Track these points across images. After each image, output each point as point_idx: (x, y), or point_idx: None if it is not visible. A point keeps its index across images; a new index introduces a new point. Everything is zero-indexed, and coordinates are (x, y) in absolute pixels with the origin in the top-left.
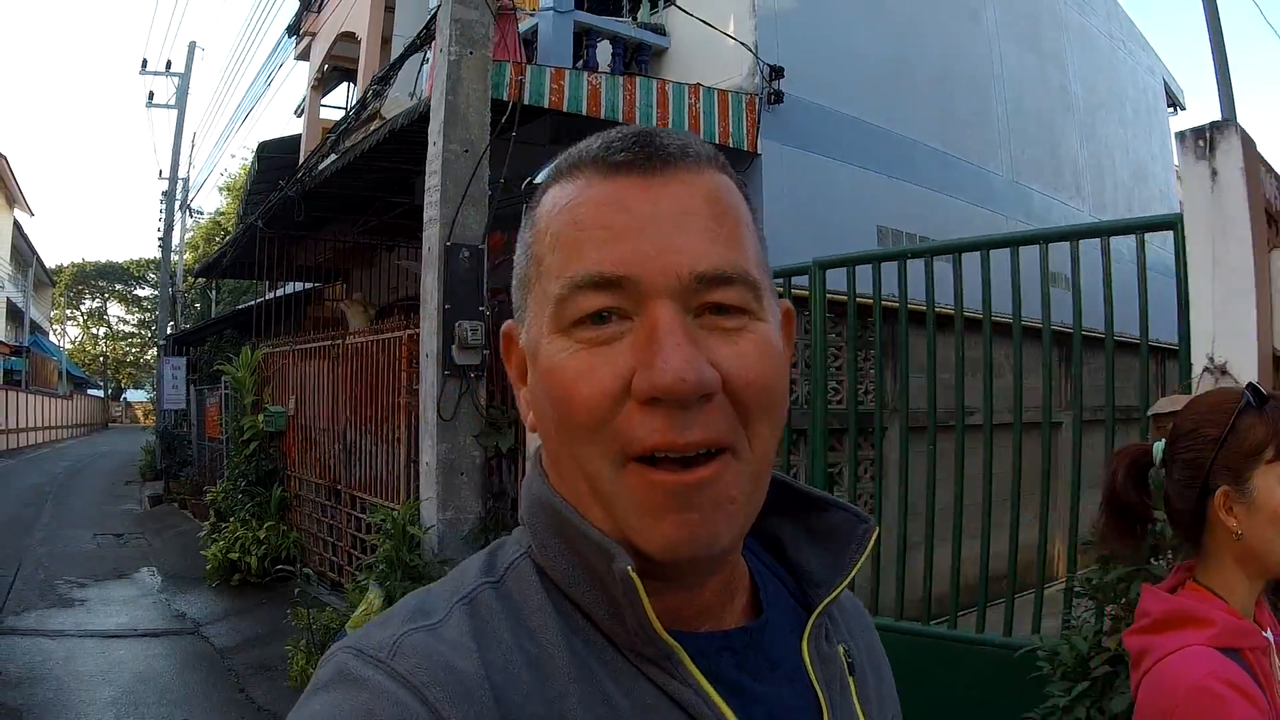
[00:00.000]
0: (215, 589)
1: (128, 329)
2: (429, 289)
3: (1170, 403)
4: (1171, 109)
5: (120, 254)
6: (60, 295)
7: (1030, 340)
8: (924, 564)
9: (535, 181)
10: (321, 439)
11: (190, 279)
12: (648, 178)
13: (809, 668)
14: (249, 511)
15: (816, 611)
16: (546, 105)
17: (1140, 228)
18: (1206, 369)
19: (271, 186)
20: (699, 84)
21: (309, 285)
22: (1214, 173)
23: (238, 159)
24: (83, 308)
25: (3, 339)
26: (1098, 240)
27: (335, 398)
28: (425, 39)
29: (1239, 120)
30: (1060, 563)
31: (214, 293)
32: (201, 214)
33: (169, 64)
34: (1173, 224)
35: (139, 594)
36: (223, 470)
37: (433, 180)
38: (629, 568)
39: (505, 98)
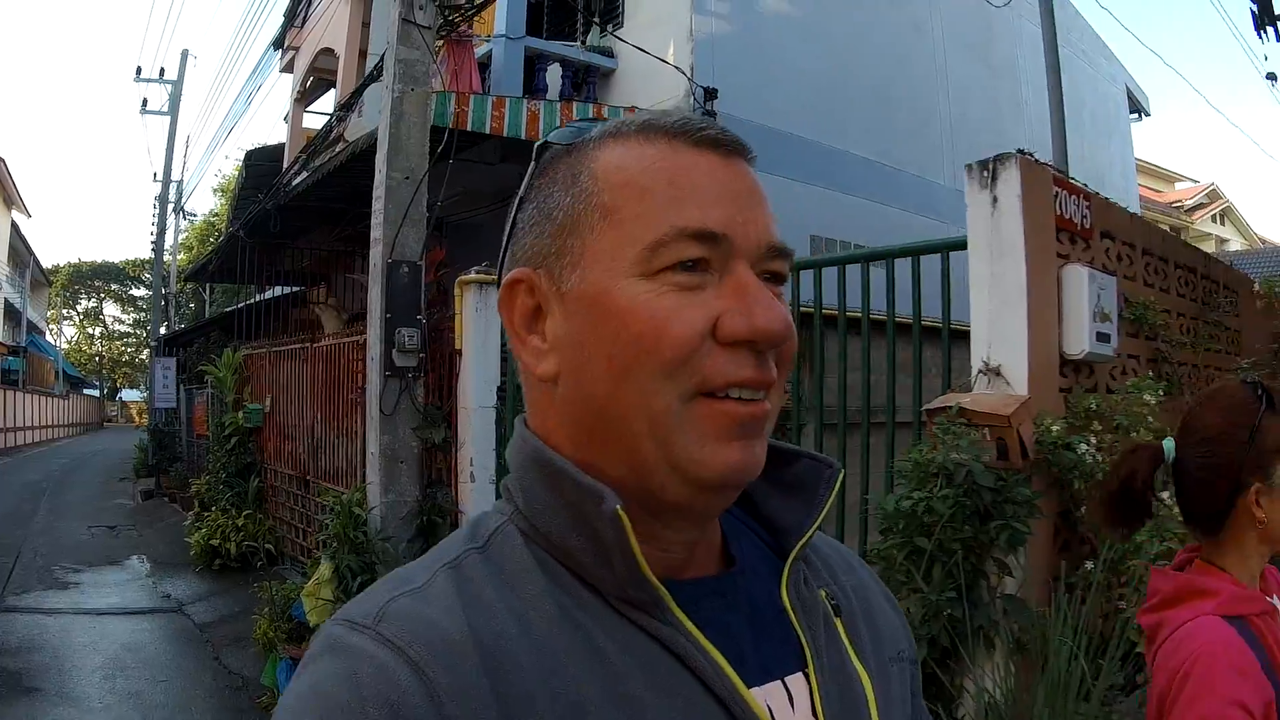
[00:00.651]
0: (198, 573)
1: (123, 329)
2: (374, 300)
3: (945, 400)
4: (1136, 115)
5: (116, 254)
6: (57, 295)
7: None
8: None
9: (567, 143)
10: (293, 434)
11: (180, 283)
12: (729, 158)
13: (790, 613)
14: (229, 501)
15: (791, 557)
16: (488, 131)
17: (944, 247)
18: (981, 370)
19: (257, 194)
20: (634, 106)
21: (293, 289)
22: (994, 200)
23: (232, 159)
24: (79, 307)
25: (0, 339)
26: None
27: (304, 396)
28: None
29: (1069, 168)
30: None
31: (208, 293)
32: (195, 216)
33: (162, 71)
34: (965, 244)
35: (128, 578)
36: (208, 464)
37: (378, 205)
38: (618, 507)
39: (451, 125)
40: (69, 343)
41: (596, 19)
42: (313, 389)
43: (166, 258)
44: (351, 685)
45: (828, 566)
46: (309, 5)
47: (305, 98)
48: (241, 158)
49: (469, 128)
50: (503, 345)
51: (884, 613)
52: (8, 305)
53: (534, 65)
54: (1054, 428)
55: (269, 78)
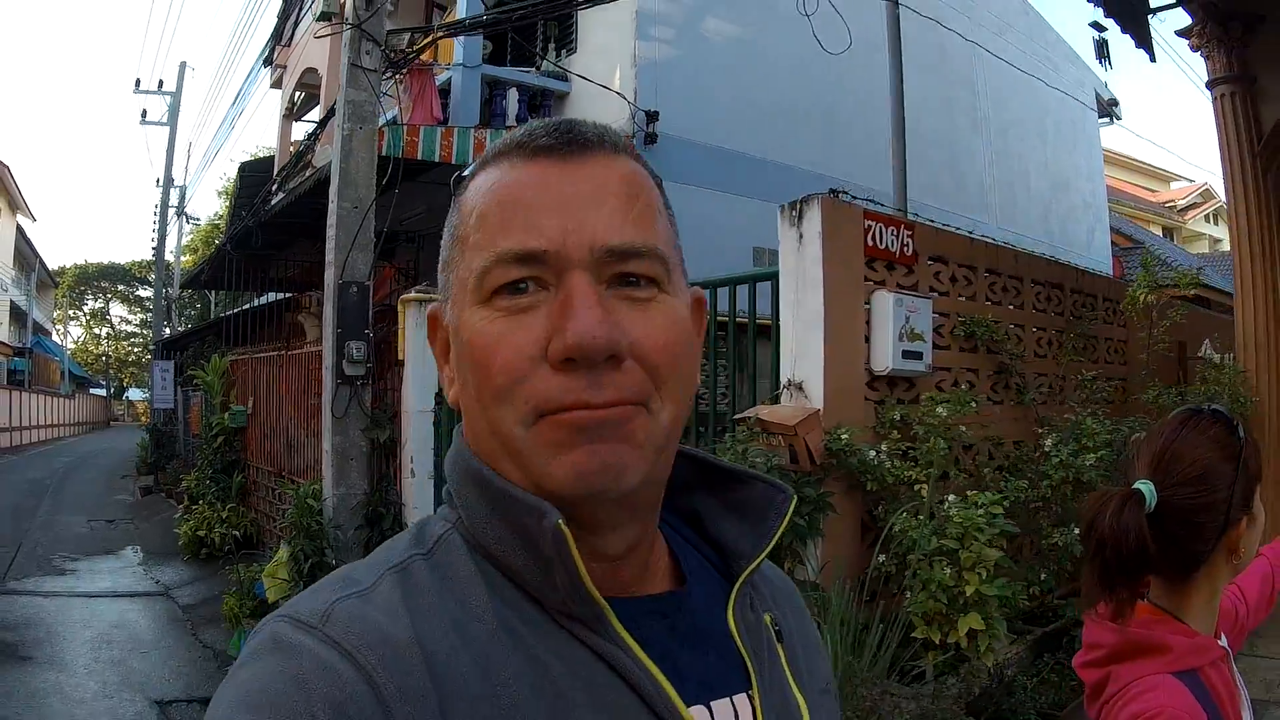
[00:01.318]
0: (186, 561)
1: (130, 329)
2: (327, 316)
3: (749, 411)
4: (1106, 119)
5: (123, 255)
6: (63, 296)
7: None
8: None
9: (463, 175)
10: (271, 434)
11: (179, 289)
12: (566, 161)
13: (735, 636)
14: (215, 496)
15: (739, 580)
16: (437, 159)
17: (753, 279)
18: (786, 385)
19: (249, 204)
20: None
21: (286, 295)
22: (800, 236)
23: (236, 161)
24: (85, 308)
25: (5, 340)
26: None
27: (280, 400)
28: None
29: (913, 212)
30: None
31: (213, 296)
32: (198, 220)
33: (161, 83)
34: (774, 275)
35: (122, 566)
36: (196, 461)
37: (330, 232)
38: (559, 521)
39: (404, 154)
40: (76, 343)
41: (553, 45)
42: (287, 393)
43: (170, 258)
44: (298, 685)
45: (772, 592)
46: (295, 25)
47: (293, 113)
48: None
49: (419, 157)
50: None
51: (815, 645)
52: (14, 307)
53: (493, 90)
54: (843, 436)
55: (264, 84)
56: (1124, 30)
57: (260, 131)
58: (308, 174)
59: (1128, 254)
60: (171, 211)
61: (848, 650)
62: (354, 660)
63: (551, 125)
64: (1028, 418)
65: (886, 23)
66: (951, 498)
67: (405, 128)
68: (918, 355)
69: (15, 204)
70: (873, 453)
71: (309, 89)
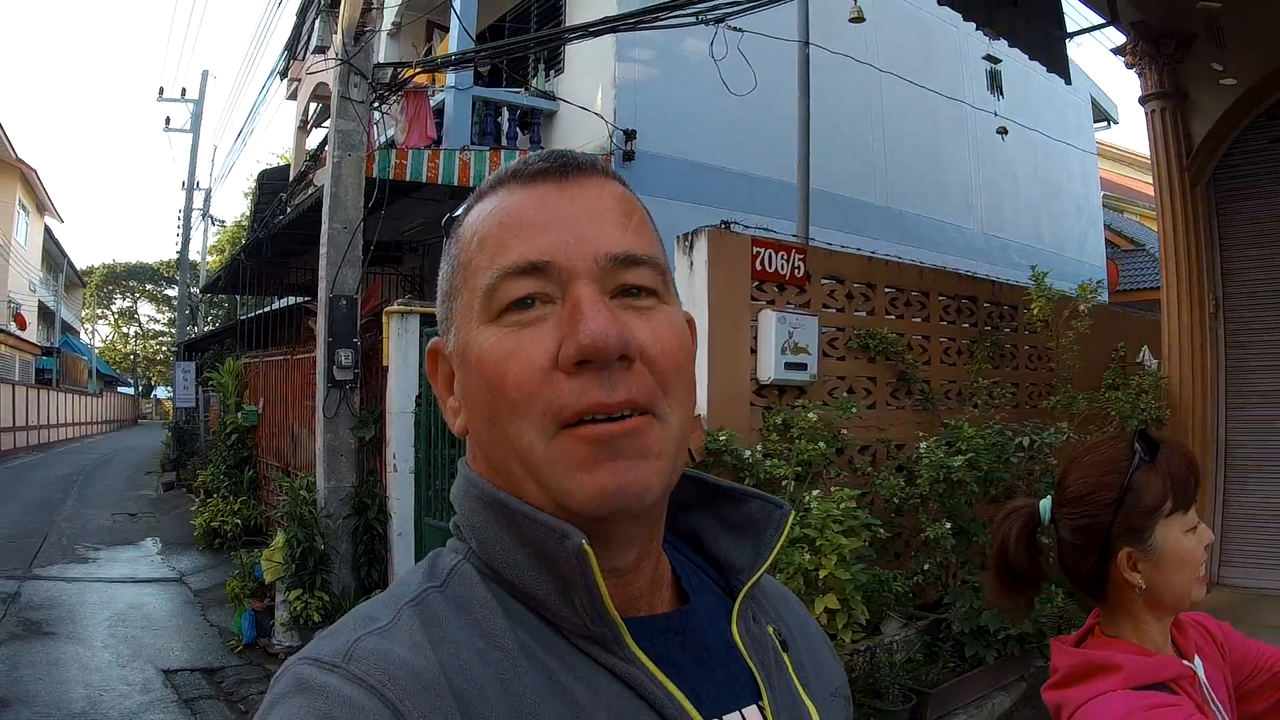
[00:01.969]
0: (200, 551)
1: (158, 327)
2: (321, 327)
3: None
4: (1104, 123)
5: (150, 255)
6: (91, 295)
7: None
8: None
9: (454, 215)
10: (279, 431)
11: (199, 293)
12: (562, 182)
13: (742, 649)
14: (228, 490)
15: (741, 595)
16: (424, 180)
17: None
18: None
19: (270, 210)
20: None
21: (304, 299)
22: (691, 264)
23: (262, 162)
24: (114, 307)
25: (34, 340)
26: None
27: (286, 400)
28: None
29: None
30: None
31: (240, 297)
32: (224, 222)
33: (184, 91)
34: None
35: (141, 555)
36: (211, 458)
37: (323, 250)
38: (583, 541)
39: (392, 176)
40: (104, 342)
41: (543, 66)
42: (291, 394)
43: (197, 258)
44: None
45: (772, 604)
46: (308, 41)
47: (308, 125)
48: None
49: (407, 178)
50: (420, 361)
51: (823, 651)
52: (42, 307)
53: (484, 111)
54: (722, 437)
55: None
56: (1032, 58)
57: (284, 133)
58: (309, 192)
59: (1128, 257)
60: (197, 213)
61: None
62: (381, 695)
63: (545, 153)
64: (933, 421)
65: (797, 63)
66: (815, 492)
67: (395, 151)
68: (802, 366)
69: (43, 206)
70: (748, 452)
71: (323, 100)
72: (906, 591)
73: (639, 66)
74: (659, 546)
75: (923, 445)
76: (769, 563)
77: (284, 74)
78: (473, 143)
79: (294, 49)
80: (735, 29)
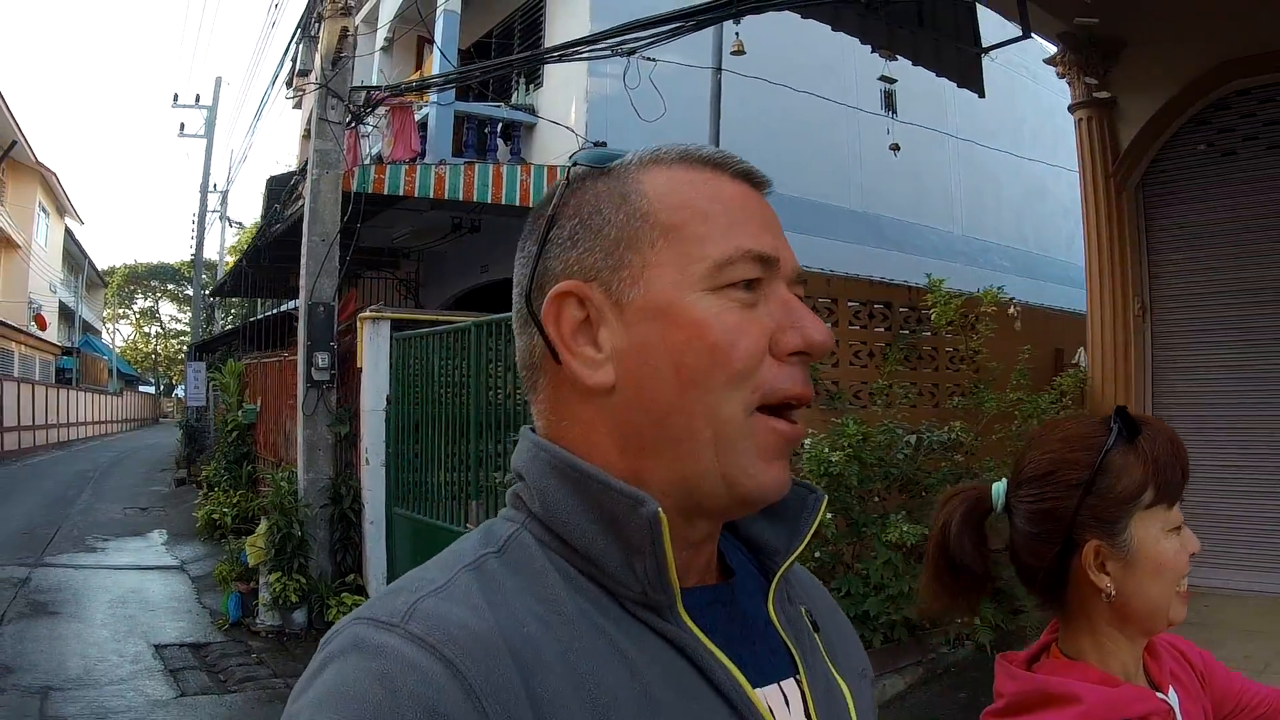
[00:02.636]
0: (202, 541)
1: (180, 327)
2: (301, 332)
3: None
4: None
5: (171, 255)
6: (113, 295)
7: None
8: None
9: (595, 163)
10: (274, 428)
11: (210, 296)
12: (759, 189)
13: (778, 626)
14: (228, 484)
15: (778, 574)
16: (401, 193)
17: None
18: None
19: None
20: (529, 163)
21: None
22: None
23: (282, 164)
24: (135, 307)
25: (54, 340)
26: None
27: (279, 399)
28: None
29: None
30: None
31: (247, 299)
32: (241, 224)
33: (198, 97)
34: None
35: (146, 546)
36: (214, 454)
37: (303, 261)
38: (658, 510)
39: (372, 190)
40: (126, 341)
41: (523, 80)
42: (284, 393)
43: (215, 257)
44: (385, 685)
45: (802, 587)
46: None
47: (311, 134)
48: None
49: (385, 191)
50: (390, 364)
51: (849, 636)
52: (62, 307)
53: (464, 124)
54: None
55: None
56: (939, 75)
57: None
58: (299, 204)
59: None
60: (215, 215)
61: None
62: (440, 655)
63: (733, 155)
64: (841, 419)
65: (710, 89)
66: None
67: (374, 166)
68: None
69: (63, 208)
70: None
71: None
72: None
73: (609, 81)
74: (719, 527)
75: (807, 442)
76: (804, 545)
77: (289, 83)
78: (455, 154)
79: (296, 62)
80: (649, 59)
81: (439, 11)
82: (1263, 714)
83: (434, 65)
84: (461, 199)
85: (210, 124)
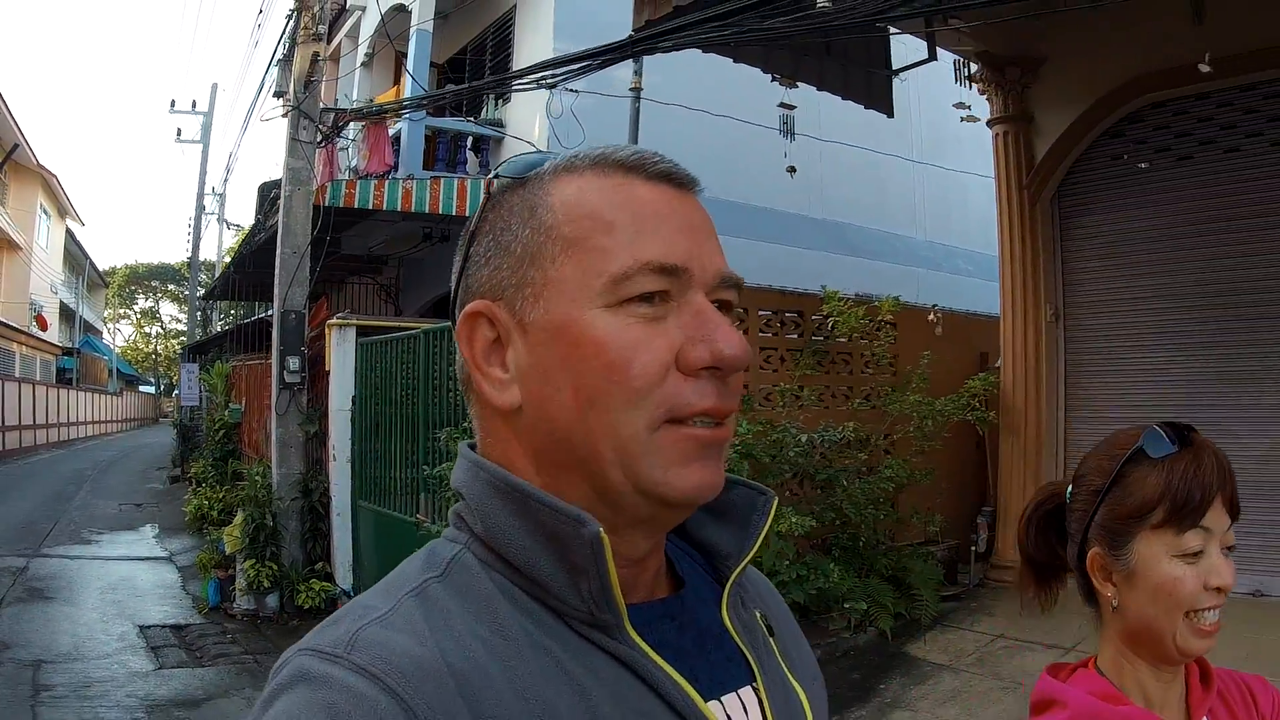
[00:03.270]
0: (190, 534)
1: (180, 327)
2: (275, 338)
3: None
4: None
5: (172, 256)
6: (114, 295)
7: None
8: None
9: (510, 175)
10: (257, 427)
11: (202, 300)
12: (682, 192)
13: (733, 633)
14: (215, 480)
15: (730, 580)
16: (371, 207)
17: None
18: None
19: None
20: (494, 177)
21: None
22: None
23: (278, 167)
24: (136, 307)
25: (54, 341)
26: None
27: (261, 398)
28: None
29: None
30: None
31: (240, 301)
32: (240, 226)
33: (194, 103)
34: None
35: (139, 539)
36: (203, 452)
37: (278, 272)
38: (599, 530)
39: (343, 204)
40: (127, 341)
41: (492, 96)
42: (266, 393)
43: (212, 257)
44: (331, 715)
45: (757, 591)
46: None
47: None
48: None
49: (356, 205)
50: (355, 367)
51: (800, 639)
52: (63, 307)
53: (436, 138)
54: None
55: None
56: (845, 98)
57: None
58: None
59: None
60: (212, 217)
61: None
62: (384, 685)
63: (656, 155)
64: (753, 420)
65: (629, 115)
66: None
67: (344, 182)
68: None
69: (64, 210)
70: None
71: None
72: None
73: (569, 96)
74: (664, 538)
75: None
76: (755, 549)
77: (279, 94)
78: (426, 168)
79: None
80: (571, 90)
81: (413, 30)
82: None
83: (406, 83)
84: (428, 211)
85: (206, 130)
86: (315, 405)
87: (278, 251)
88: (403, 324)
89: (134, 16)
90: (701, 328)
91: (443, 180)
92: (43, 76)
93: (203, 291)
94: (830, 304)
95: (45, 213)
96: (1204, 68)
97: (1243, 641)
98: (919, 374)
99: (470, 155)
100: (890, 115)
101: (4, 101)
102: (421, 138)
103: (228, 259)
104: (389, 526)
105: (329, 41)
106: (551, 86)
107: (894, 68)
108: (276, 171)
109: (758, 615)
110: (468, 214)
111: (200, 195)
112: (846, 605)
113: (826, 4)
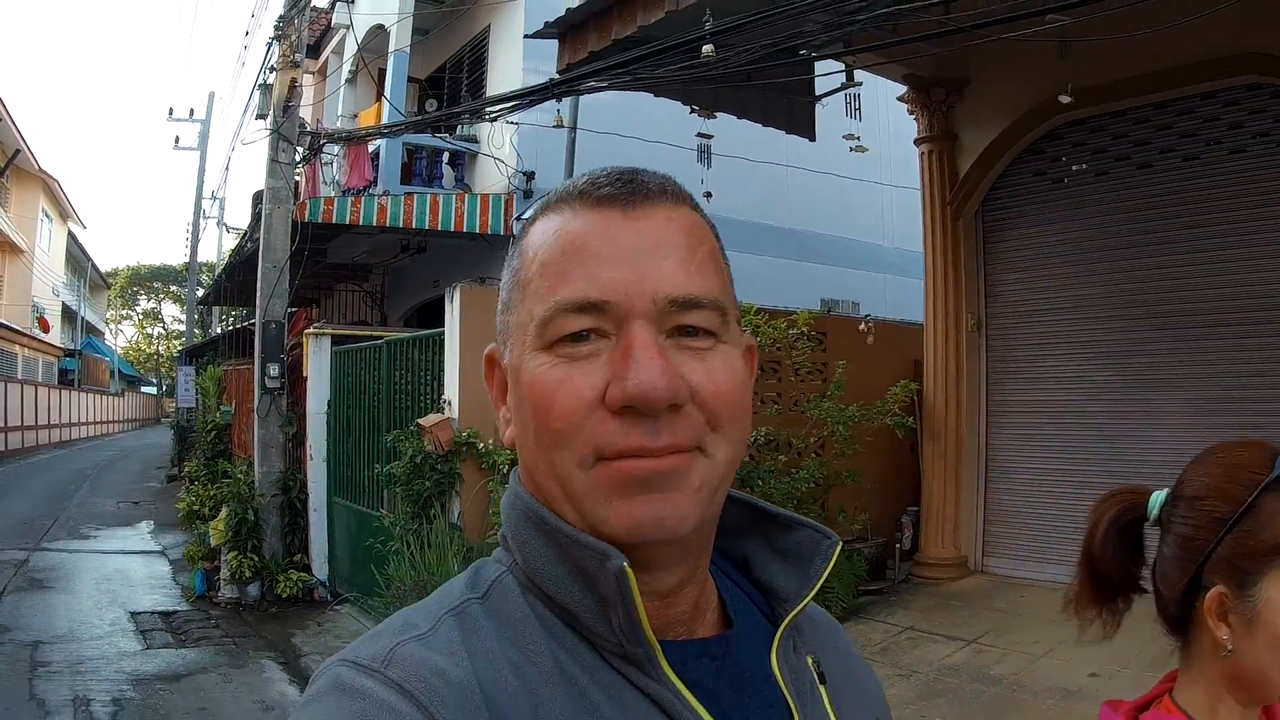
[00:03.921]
0: (183, 530)
1: (182, 328)
2: (257, 345)
3: (420, 420)
4: None
5: (174, 258)
6: (116, 297)
7: None
8: None
9: (523, 217)
10: (245, 427)
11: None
12: (629, 210)
13: (779, 678)
14: (206, 478)
15: (784, 624)
16: (348, 222)
17: (428, 339)
18: (444, 403)
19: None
20: (464, 192)
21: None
22: (451, 309)
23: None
24: (138, 308)
25: (56, 342)
26: None
27: (249, 401)
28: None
29: None
30: None
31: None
32: (239, 229)
33: (192, 111)
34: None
35: (135, 534)
36: (196, 451)
37: (259, 284)
38: (624, 564)
39: (321, 219)
40: (129, 342)
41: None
42: (251, 397)
43: (213, 259)
44: None
45: (816, 633)
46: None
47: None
48: (256, 191)
49: (334, 220)
50: (330, 373)
51: (864, 680)
52: (65, 309)
53: (415, 154)
54: (465, 434)
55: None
56: (765, 124)
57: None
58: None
59: None
60: (212, 221)
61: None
62: (417, 702)
63: (615, 174)
64: None
65: (565, 146)
66: None
67: (323, 199)
68: None
69: (65, 213)
70: (481, 444)
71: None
72: None
73: (539, 113)
74: (705, 572)
75: None
76: (813, 593)
77: (261, 116)
78: (403, 182)
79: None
80: (512, 123)
81: (390, 52)
82: None
83: (384, 105)
84: (403, 225)
85: (203, 138)
86: (294, 408)
87: (259, 267)
88: (373, 333)
89: (135, 22)
90: (621, 364)
91: (415, 196)
92: (44, 83)
93: (201, 294)
94: (746, 317)
95: (47, 216)
96: (1064, 98)
97: None
98: (835, 382)
99: (447, 169)
100: (812, 139)
101: (6, 108)
102: (399, 154)
103: (227, 260)
104: (361, 521)
105: (317, 58)
106: (493, 120)
107: (817, 94)
108: None
109: (810, 660)
110: (439, 228)
111: (198, 201)
112: None
113: (710, 54)
